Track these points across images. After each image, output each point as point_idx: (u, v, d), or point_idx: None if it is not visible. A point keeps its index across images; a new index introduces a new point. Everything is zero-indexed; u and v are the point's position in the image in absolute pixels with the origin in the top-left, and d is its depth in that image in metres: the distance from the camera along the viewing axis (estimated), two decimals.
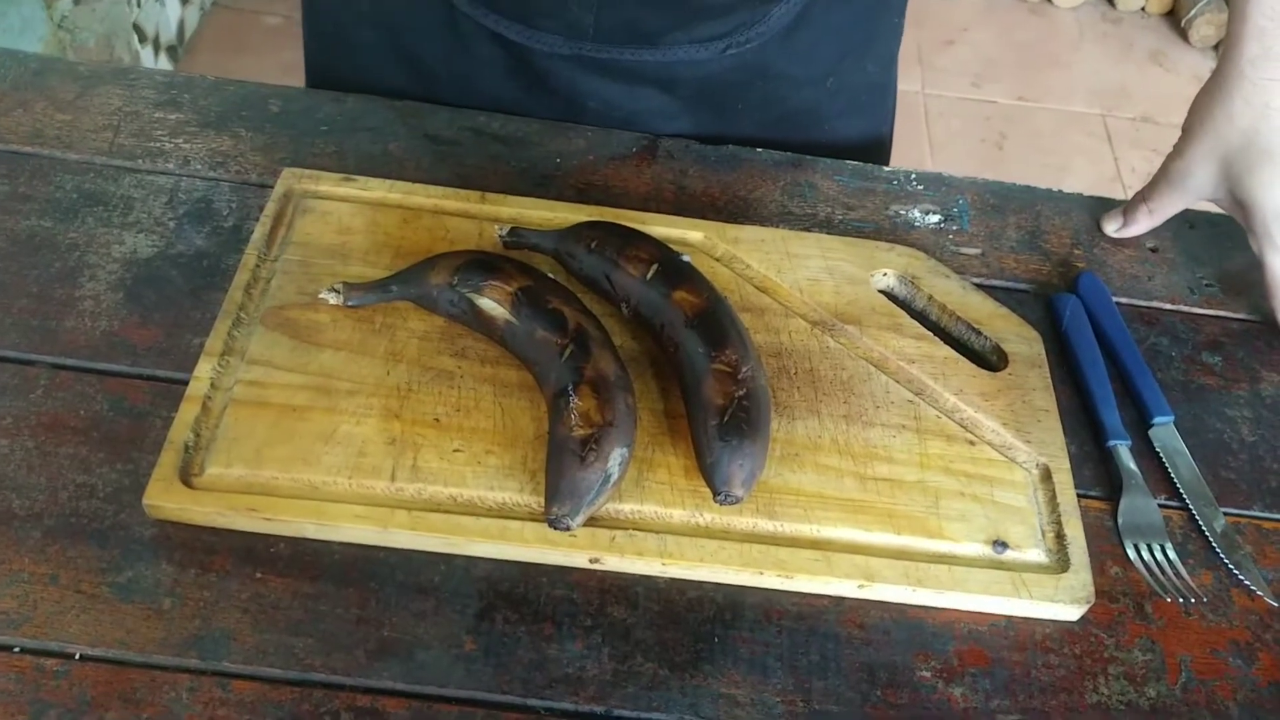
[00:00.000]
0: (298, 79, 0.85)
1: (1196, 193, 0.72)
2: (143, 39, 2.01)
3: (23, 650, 0.50)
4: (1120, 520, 0.61)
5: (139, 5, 1.98)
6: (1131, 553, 0.59)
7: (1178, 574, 0.59)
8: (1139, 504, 0.61)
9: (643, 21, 0.74)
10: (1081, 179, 2.22)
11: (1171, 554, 0.60)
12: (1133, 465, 0.63)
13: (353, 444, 0.56)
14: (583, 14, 0.73)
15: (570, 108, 0.78)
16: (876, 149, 0.88)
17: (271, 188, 0.68)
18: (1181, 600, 0.58)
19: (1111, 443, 0.63)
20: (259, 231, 0.65)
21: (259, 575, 0.54)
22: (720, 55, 0.75)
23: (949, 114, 2.34)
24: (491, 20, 0.75)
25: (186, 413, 0.57)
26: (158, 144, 0.72)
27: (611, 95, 0.78)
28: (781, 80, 0.79)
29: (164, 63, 2.12)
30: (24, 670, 0.50)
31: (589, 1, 0.72)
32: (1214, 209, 0.75)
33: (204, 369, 0.58)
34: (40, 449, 0.57)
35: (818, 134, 0.82)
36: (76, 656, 0.50)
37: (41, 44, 1.69)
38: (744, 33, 0.75)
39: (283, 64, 2.18)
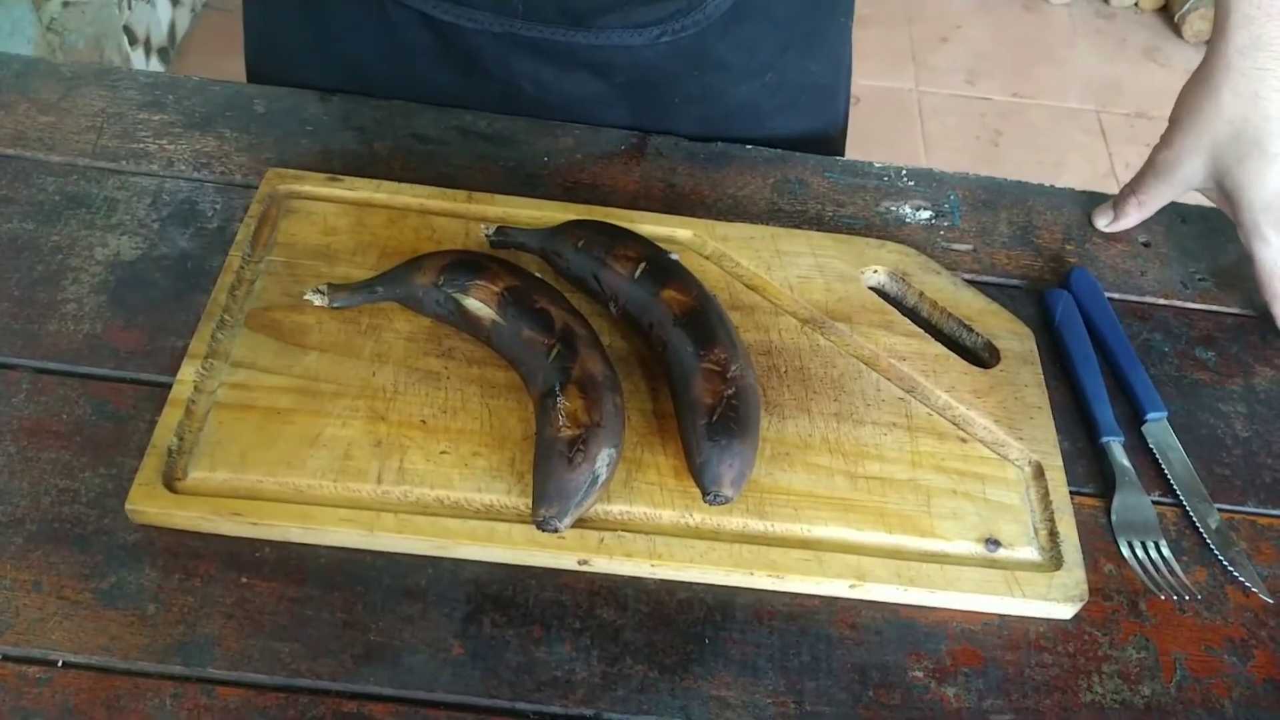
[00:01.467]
0: None
1: (1185, 184, 0.71)
2: (133, 41, 2.00)
3: (5, 658, 0.50)
4: (1114, 518, 0.60)
5: (129, 7, 1.97)
6: (1125, 550, 0.59)
7: (1172, 571, 0.59)
8: (1132, 501, 0.61)
9: (571, 3, 0.72)
10: (1076, 175, 2.22)
11: (1166, 551, 0.59)
12: (1126, 462, 0.62)
13: (338, 446, 0.56)
14: None
15: (506, 91, 0.77)
16: (821, 151, 0.86)
17: (256, 188, 0.68)
18: (1176, 598, 0.58)
19: (1104, 439, 0.63)
20: (243, 233, 0.64)
21: (244, 580, 0.53)
22: (655, 42, 0.74)
23: (943, 111, 2.34)
24: (419, 2, 0.73)
25: (170, 416, 0.56)
26: (141, 145, 0.71)
27: (545, 78, 0.76)
28: (719, 72, 0.77)
29: (155, 65, 2.11)
30: (6, 678, 0.49)
31: None
32: (1205, 202, 0.74)
33: (188, 372, 0.58)
34: (22, 454, 0.56)
35: (756, 132, 0.80)
36: (59, 664, 0.50)
37: (31, 46, 1.68)
38: (680, 19, 0.73)
39: None
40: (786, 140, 0.81)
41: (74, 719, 0.48)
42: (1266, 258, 0.68)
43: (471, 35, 0.74)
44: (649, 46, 0.75)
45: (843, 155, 0.89)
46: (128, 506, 0.53)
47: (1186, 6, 2.51)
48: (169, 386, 0.57)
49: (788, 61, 0.80)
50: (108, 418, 0.58)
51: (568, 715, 0.51)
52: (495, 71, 0.76)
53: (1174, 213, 0.78)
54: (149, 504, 0.53)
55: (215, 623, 0.52)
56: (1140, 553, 0.59)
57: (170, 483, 0.54)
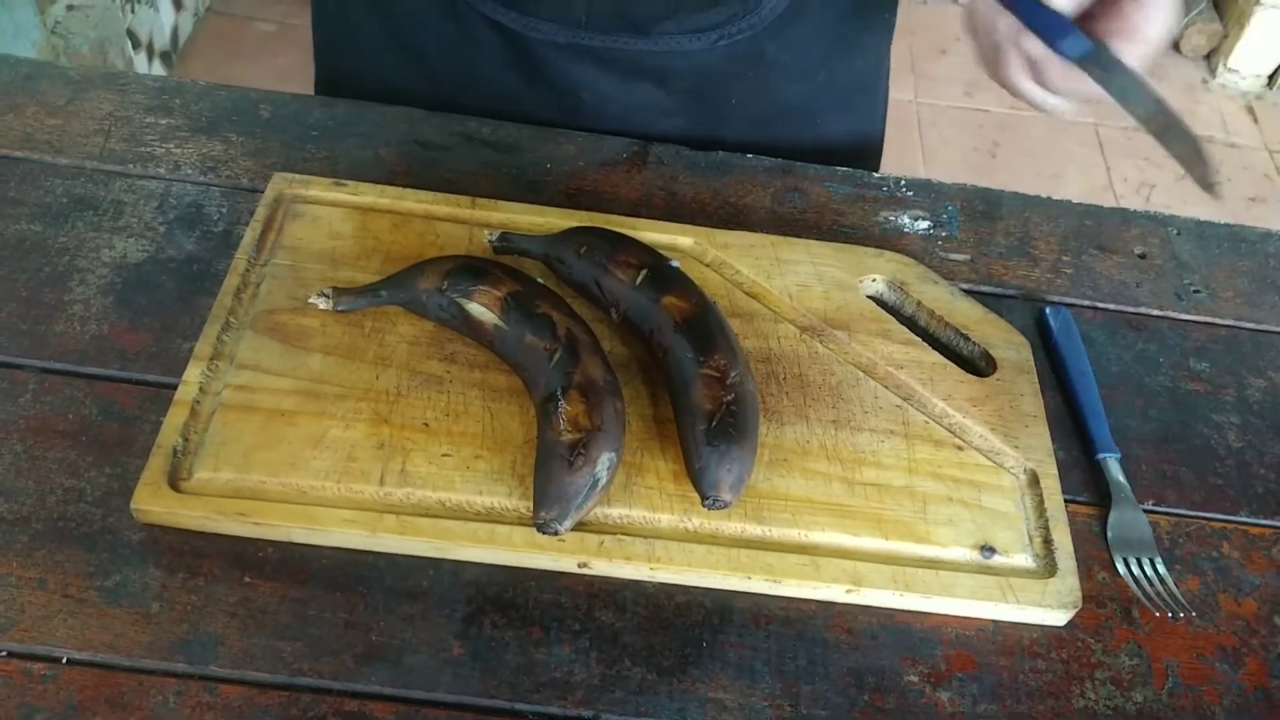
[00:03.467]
0: (291, 85, 0.85)
1: None
2: (136, 45, 2.01)
3: (10, 654, 0.50)
4: (1110, 534, 0.61)
5: (133, 11, 1.98)
6: (1121, 567, 0.60)
7: (1167, 588, 0.59)
8: (1128, 518, 0.61)
9: (633, 9, 0.74)
10: (1074, 187, 2.23)
11: (1161, 568, 0.60)
12: (1122, 478, 0.63)
13: (341, 448, 0.57)
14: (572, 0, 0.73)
15: (565, 100, 0.79)
16: (867, 151, 0.88)
17: (262, 193, 0.68)
18: (1170, 615, 0.58)
19: (1101, 455, 0.63)
20: (249, 236, 0.65)
21: (247, 579, 0.54)
22: (713, 46, 0.76)
23: (941, 122, 2.35)
24: (489, 8, 0.75)
25: (175, 417, 0.57)
26: (148, 149, 0.72)
27: (606, 88, 0.78)
28: (773, 72, 0.79)
29: (158, 69, 2.12)
30: (11, 674, 0.50)
31: None
32: (1200, 214, 0.75)
33: (193, 373, 0.58)
34: (29, 453, 0.57)
35: (808, 133, 0.82)
36: (64, 661, 0.50)
37: (35, 49, 1.69)
38: (736, 23, 0.75)
39: (276, 70, 2.18)
40: (835, 141, 0.82)
41: (78, 716, 0.49)
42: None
43: (536, 45, 0.76)
44: (706, 51, 0.76)
45: (881, 154, 0.90)
46: (133, 506, 0.54)
47: (1184, 21, 2.53)
48: (174, 388, 0.58)
49: (837, 60, 0.81)
50: (113, 418, 0.58)
51: (566, 716, 0.51)
52: (557, 81, 0.78)
53: (1169, 226, 0.78)
54: (154, 503, 0.54)
55: (218, 621, 0.52)
56: (1136, 570, 0.60)
57: (175, 483, 0.55)
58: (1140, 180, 2.29)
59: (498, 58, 0.78)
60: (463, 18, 0.76)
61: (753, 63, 0.78)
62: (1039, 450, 0.62)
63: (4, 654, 0.50)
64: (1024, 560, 0.58)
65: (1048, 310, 0.70)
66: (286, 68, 2.19)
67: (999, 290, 0.73)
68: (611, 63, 0.77)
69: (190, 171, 0.71)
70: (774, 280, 0.68)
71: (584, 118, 0.79)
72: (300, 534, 0.55)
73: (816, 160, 0.79)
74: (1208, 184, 0.55)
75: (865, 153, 0.88)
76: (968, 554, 0.57)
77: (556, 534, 0.53)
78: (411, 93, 0.78)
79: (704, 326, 0.59)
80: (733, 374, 0.57)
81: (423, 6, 0.77)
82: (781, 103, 0.81)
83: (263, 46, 2.25)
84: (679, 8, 0.74)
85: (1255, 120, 2.47)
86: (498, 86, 0.79)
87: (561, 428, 0.54)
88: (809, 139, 0.82)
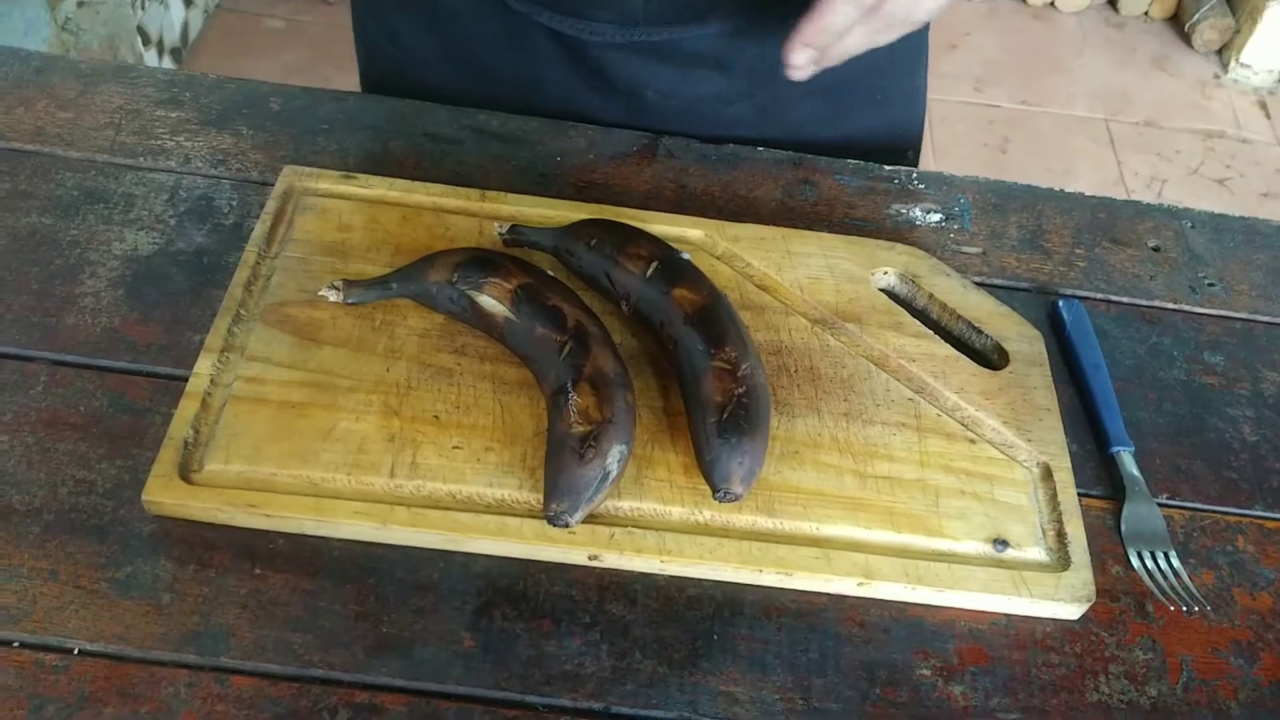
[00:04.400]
0: (299, 81, 0.85)
1: None
2: (146, 41, 2.02)
3: (22, 645, 0.50)
4: (1124, 528, 0.60)
5: (143, 7, 1.99)
6: (1135, 561, 0.59)
7: (1182, 583, 0.59)
8: (1142, 511, 0.61)
9: None
10: (1084, 183, 2.22)
11: (1175, 561, 0.59)
12: (1136, 472, 0.62)
13: (352, 441, 0.56)
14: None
15: (630, 101, 0.78)
16: (913, 137, 0.88)
17: (272, 185, 0.68)
18: (1185, 609, 0.58)
19: (1114, 449, 0.63)
20: (259, 229, 0.65)
21: (258, 571, 0.54)
22: (773, 19, 0.73)
23: (952, 118, 2.34)
24: (546, 16, 0.75)
25: (186, 409, 0.57)
26: (159, 142, 0.72)
27: (668, 82, 0.77)
28: None
29: (168, 65, 2.12)
30: (23, 665, 0.50)
31: None
32: (1214, 207, 0.75)
33: (204, 365, 0.58)
34: (40, 445, 0.57)
35: (868, 120, 0.81)
36: (75, 652, 0.50)
37: (45, 46, 1.69)
38: None
39: (285, 66, 2.18)
40: (888, 122, 0.81)
41: (89, 706, 0.49)
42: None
43: (595, 48, 0.76)
44: (767, 25, 0.74)
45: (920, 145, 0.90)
46: (144, 497, 0.54)
47: (1196, 16, 2.52)
48: (185, 380, 0.58)
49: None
50: (124, 410, 0.58)
51: (576, 709, 0.51)
52: (619, 82, 0.78)
53: (1182, 218, 0.78)
54: (165, 495, 0.54)
55: (229, 613, 0.52)
56: (1150, 563, 0.59)
57: (186, 474, 0.55)
58: (1152, 175, 2.28)
59: (557, 66, 0.77)
60: (520, 30, 0.76)
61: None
62: (1052, 444, 0.62)
63: (16, 645, 0.50)
64: (1037, 554, 0.57)
65: (1061, 303, 0.70)
66: (295, 64, 2.19)
67: (1011, 283, 0.72)
68: (671, 55, 0.76)
69: (201, 164, 0.71)
70: (785, 273, 0.67)
71: (649, 116, 0.78)
72: (311, 526, 0.54)
73: (879, 141, 0.78)
74: None
75: (912, 140, 0.88)
76: (980, 547, 0.57)
77: (567, 526, 0.53)
78: (472, 103, 0.77)
79: (715, 319, 0.59)
80: (744, 366, 0.57)
81: (478, 22, 0.77)
82: (839, 75, 0.80)
83: (272, 43, 2.25)
84: None
85: (1268, 115, 2.45)
86: (560, 94, 0.79)
87: (572, 420, 0.54)
88: (866, 123, 0.80)
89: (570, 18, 0.74)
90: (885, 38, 0.61)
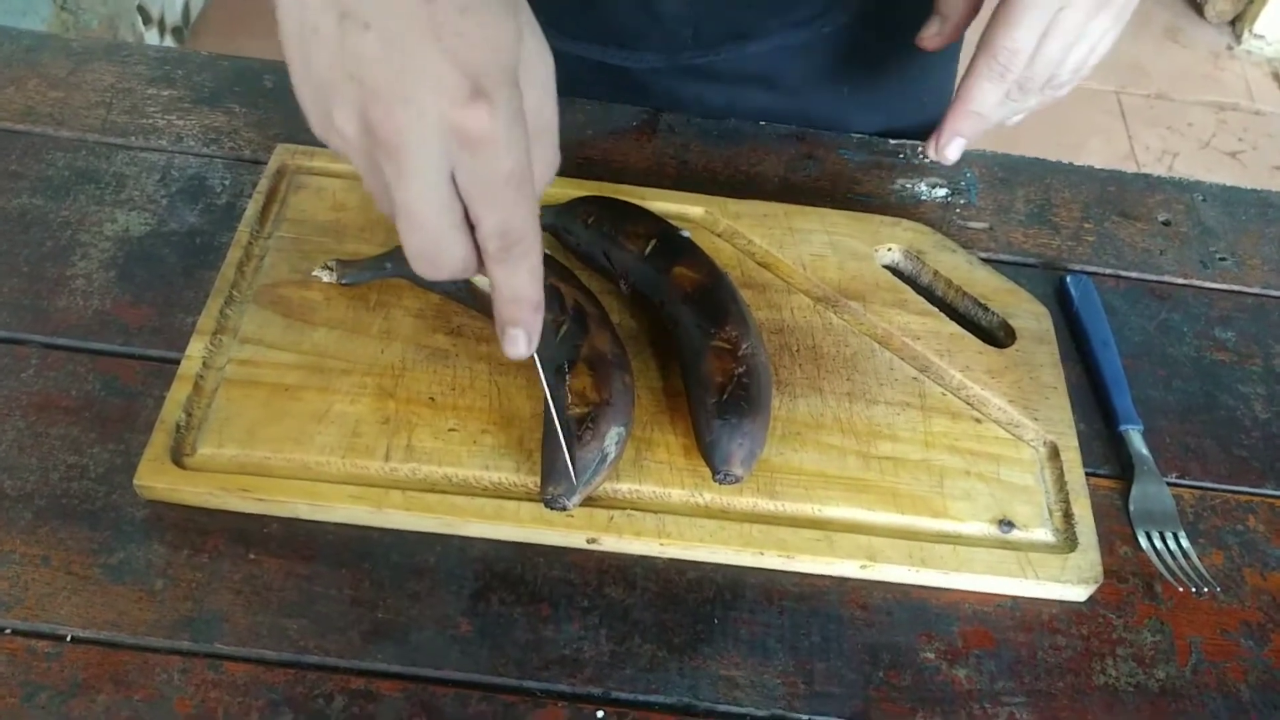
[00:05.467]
0: None
1: None
2: (147, 21, 2.00)
3: (14, 632, 0.50)
4: (1132, 508, 0.59)
5: None
6: (1144, 541, 0.58)
7: (1191, 563, 0.58)
8: (1151, 491, 0.60)
9: (741, 20, 0.73)
10: (1096, 157, 2.19)
11: (1184, 542, 0.58)
12: (1145, 451, 0.61)
13: (346, 423, 0.56)
14: (680, 28, 0.73)
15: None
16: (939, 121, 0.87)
17: (265, 164, 0.67)
18: (1194, 590, 0.57)
19: (1123, 427, 0.62)
20: (251, 208, 0.64)
21: (252, 556, 0.53)
22: (819, 34, 0.74)
23: None
24: (596, 51, 0.75)
25: (178, 392, 0.56)
26: (150, 121, 0.71)
27: (714, 101, 0.77)
28: (873, 44, 0.77)
29: (169, 44, 2.11)
30: (15, 652, 0.49)
31: (687, 17, 0.72)
32: (1226, 180, 0.73)
33: (196, 348, 0.57)
34: (31, 429, 0.56)
35: (912, 113, 0.80)
36: (68, 638, 0.50)
37: (44, 25, 1.68)
38: (837, 8, 0.73)
39: None
40: (920, 123, 0.80)
41: (82, 693, 0.48)
42: (981, 88, 0.60)
43: (640, 73, 0.75)
44: (813, 40, 0.74)
45: None
46: (136, 482, 0.53)
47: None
48: (178, 362, 0.57)
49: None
50: (116, 393, 0.58)
51: (575, 694, 0.50)
52: (661, 101, 0.77)
53: (1193, 191, 0.76)
54: (157, 480, 0.53)
55: (223, 598, 0.51)
56: (1159, 544, 0.58)
57: (178, 458, 0.54)
58: (1164, 149, 2.25)
59: (600, 86, 0.77)
60: (562, 59, 0.75)
61: (858, 45, 0.76)
62: (1059, 422, 0.60)
63: (8, 632, 0.50)
64: (1044, 535, 0.56)
65: (1069, 279, 0.69)
66: None
67: (1019, 259, 0.71)
68: (717, 75, 0.76)
69: (193, 143, 0.70)
70: (787, 250, 0.66)
71: None
72: (305, 510, 0.54)
73: (913, 133, 0.77)
74: None
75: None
76: (986, 528, 0.56)
77: (565, 509, 0.52)
78: None
79: (715, 298, 0.58)
80: (744, 346, 0.56)
81: None
82: (890, 81, 0.79)
83: (273, 21, 2.23)
84: (785, 6, 0.72)
85: None
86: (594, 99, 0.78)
87: (569, 401, 0.53)
88: (912, 118, 0.79)
89: (615, 48, 0.74)
90: (1028, 105, 0.61)
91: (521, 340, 0.45)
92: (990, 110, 0.59)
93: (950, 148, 0.62)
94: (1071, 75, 0.59)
